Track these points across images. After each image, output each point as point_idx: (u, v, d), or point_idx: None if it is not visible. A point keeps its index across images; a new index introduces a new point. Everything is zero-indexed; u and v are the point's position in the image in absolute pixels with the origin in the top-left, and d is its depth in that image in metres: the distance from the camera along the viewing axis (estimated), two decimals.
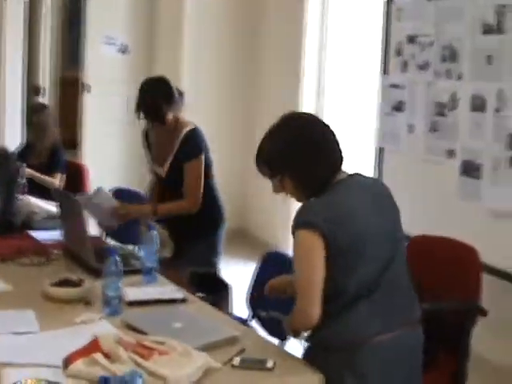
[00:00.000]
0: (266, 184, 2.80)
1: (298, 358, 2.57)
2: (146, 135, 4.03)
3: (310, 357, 2.56)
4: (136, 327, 2.64)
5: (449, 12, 4.26)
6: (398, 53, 4.65)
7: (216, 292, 3.65)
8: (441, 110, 4.33)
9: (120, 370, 2.26)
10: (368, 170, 5.57)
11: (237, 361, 2.43)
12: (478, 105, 4.07)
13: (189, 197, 3.77)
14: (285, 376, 2.41)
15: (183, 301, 3.00)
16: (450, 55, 4.24)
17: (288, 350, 2.70)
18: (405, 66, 4.60)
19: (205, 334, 2.62)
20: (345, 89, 5.93)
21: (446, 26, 4.29)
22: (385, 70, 4.79)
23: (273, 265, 3.63)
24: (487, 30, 4.00)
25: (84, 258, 3.29)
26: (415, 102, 4.53)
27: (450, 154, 4.27)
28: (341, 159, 2.54)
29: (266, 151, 2.55)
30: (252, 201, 6.79)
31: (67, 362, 2.32)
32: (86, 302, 2.91)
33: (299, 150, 2.49)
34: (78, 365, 2.30)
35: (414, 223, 4.43)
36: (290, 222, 2.46)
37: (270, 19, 6.53)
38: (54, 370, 2.30)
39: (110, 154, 6.72)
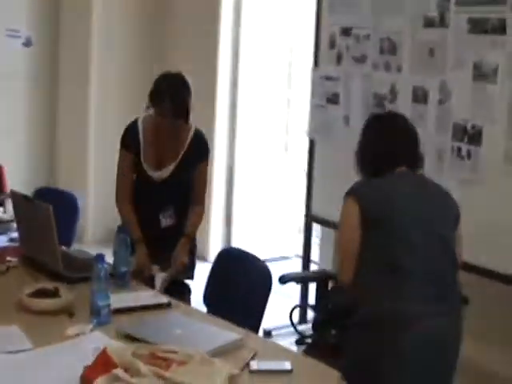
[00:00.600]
0: None
1: (310, 358, 2.55)
2: (132, 134, 3.65)
3: (348, 336, 2.73)
4: (139, 337, 2.53)
5: (387, 5, 4.32)
6: (332, 45, 4.67)
7: (175, 293, 3.57)
8: (380, 101, 4.38)
9: None
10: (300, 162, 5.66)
11: (254, 365, 2.38)
12: (420, 96, 4.16)
13: (202, 200, 3.71)
14: (305, 376, 2.39)
15: (168, 305, 2.91)
16: (389, 48, 4.30)
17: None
18: (339, 58, 4.62)
19: (210, 339, 2.55)
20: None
21: (383, 19, 4.33)
22: (316, 63, 4.80)
23: (228, 260, 3.61)
24: (429, 23, 4.08)
25: (50, 265, 3.12)
26: (351, 94, 4.57)
27: None
28: (397, 158, 2.91)
29: None
30: None
31: (85, 381, 2.19)
32: (69, 312, 2.77)
33: (365, 150, 3.01)
34: None
35: None
36: None
37: (181, 15, 6.42)
38: None
39: (15, 152, 6.41)
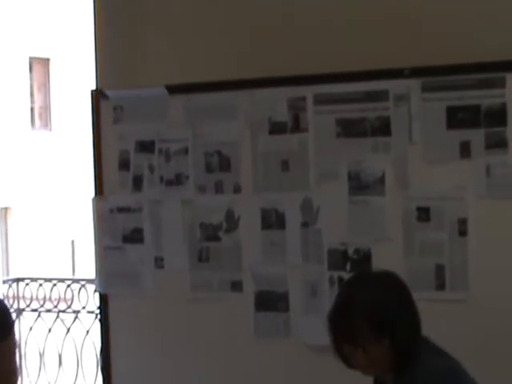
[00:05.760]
0: None
1: None
2: None
3: None
4: None
5: (210, 111, 3.38)
6: (124, 166, 3.55)
7: None
8: (212, 233, 3.39)
9: None
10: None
11: None
12: (272, 221, 3.28)
13: None
14: None
15: None
16: (220, 164, 3.35)
17: None
18: (137, 182, 3.52)
19: None
20: None
21: (207, 127, 3.37)
22: (100, 191, 3.62)
23: None
24: (277, 128, 3.25)
25: None
26: (163, 228, 3.47)
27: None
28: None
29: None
30: None
31: None
32: None
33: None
34: None
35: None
36: None
37: None
38: None
39: None
